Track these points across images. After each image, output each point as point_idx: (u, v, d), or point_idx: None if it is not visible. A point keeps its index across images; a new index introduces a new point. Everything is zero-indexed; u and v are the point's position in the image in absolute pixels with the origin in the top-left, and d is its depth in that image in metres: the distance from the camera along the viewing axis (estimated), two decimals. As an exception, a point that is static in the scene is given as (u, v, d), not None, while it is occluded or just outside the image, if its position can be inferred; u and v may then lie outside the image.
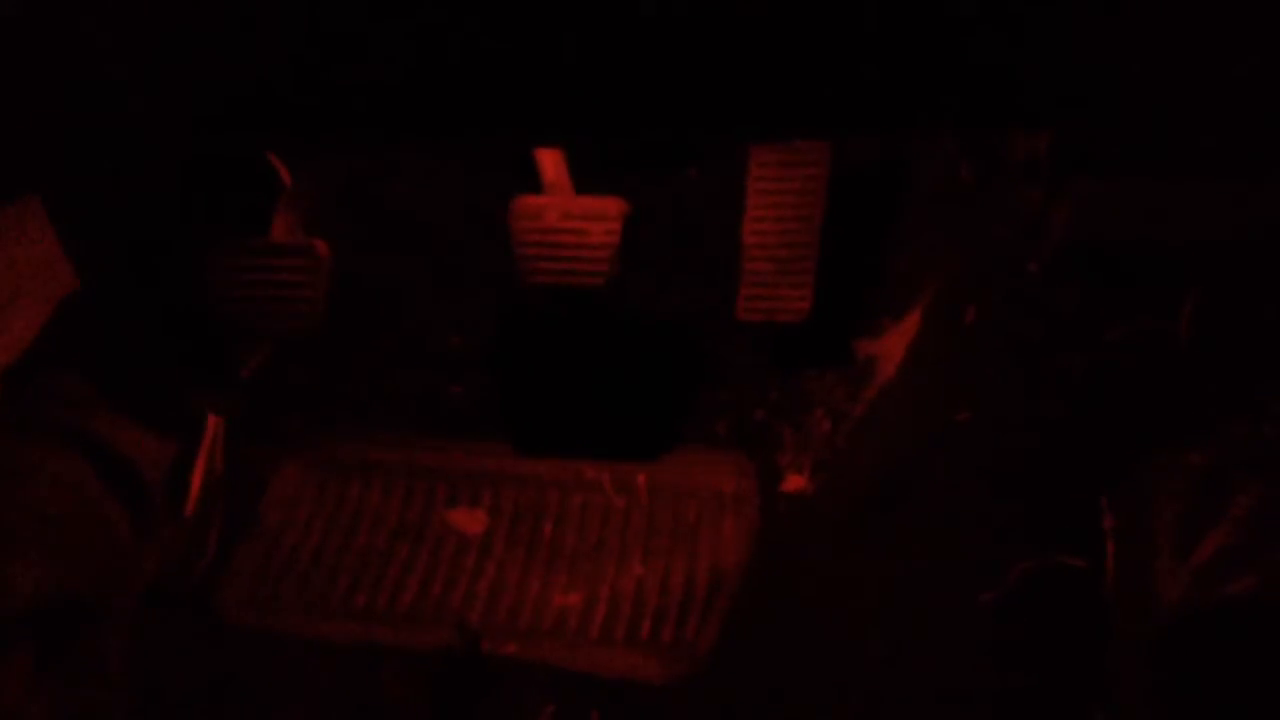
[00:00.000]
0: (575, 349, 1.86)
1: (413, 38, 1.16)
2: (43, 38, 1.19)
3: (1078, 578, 1.49)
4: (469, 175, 1.97)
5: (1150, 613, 1.37)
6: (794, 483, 1.77)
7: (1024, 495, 1.56)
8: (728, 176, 1.76)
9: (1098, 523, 1.50)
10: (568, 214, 1.74)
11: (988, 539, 1.56)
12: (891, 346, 1.78)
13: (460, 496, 1.86)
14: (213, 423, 1.74)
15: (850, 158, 1.75)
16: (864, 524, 1.66)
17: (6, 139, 1.28)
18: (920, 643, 1.53)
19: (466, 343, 1.97)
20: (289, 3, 1.15)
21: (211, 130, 1.30)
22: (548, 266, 1.75)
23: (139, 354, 1.67)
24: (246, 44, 1.19)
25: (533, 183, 1.76)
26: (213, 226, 1.76)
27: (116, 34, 1.19)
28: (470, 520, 1.83)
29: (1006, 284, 1.66)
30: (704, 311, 1.85)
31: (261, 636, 1.71)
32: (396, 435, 1.92)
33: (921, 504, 1.62)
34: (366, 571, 1.78)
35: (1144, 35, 1.10)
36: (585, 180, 1.76)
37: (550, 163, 1.74)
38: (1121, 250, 1.52)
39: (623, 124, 1.27)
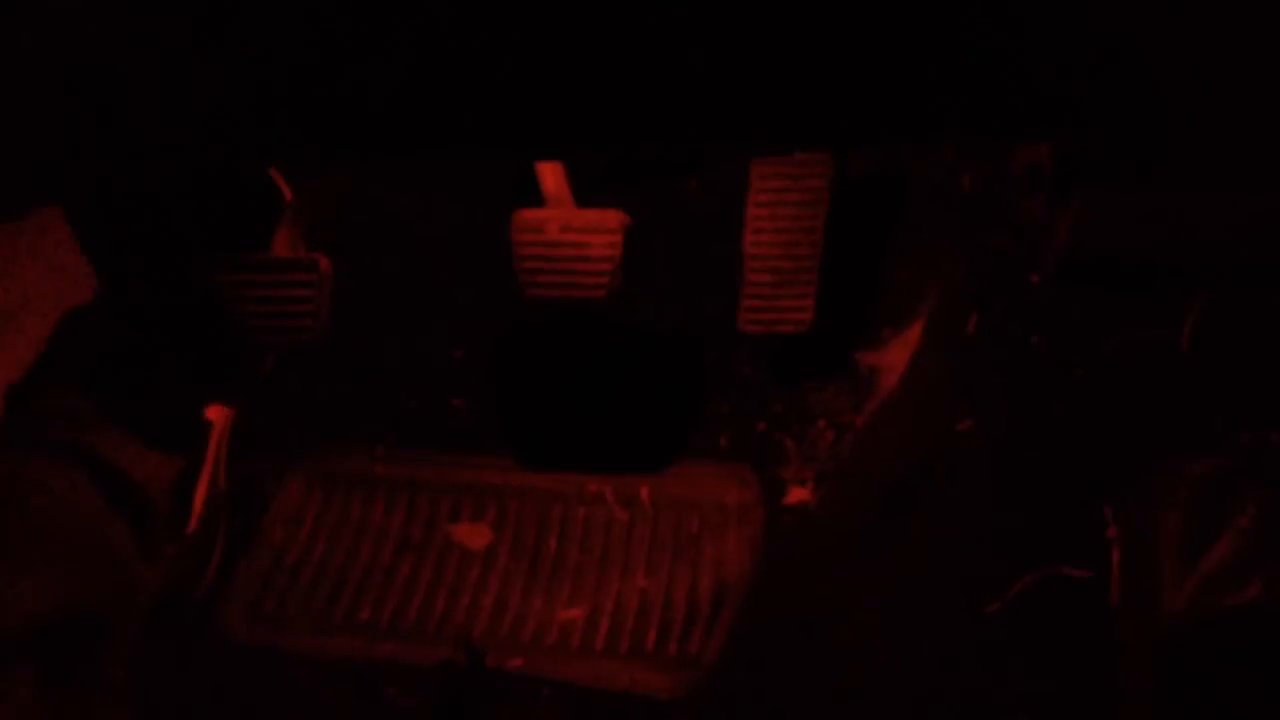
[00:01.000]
0: (577, 362, 1.86)
1: (414, 51, 1.17)
2: (56, 51, 1.19)
3: (1082, 588, 1.49)
4: (470, 189, 1.97)
5: (1155, 622, 1.37)
6: (797, 495, 1.76)
7: (1028, 505, 1.56)
8: (729, 189, 1.77)
9: (1102, 532, 1.50)
10: (569, 227, 1.74)
11: (991, 549, 1.56)
12: (893, 357, 1.78)
13: (463, 511, 1.86)
14: (215, 439, 1.74)
15: (851, 169, 1.75)
16: (867, 535, 1.66)
17: (21, 152, 1.28)
18: (925, 654, 1.53)
19: (468, 356, 1.97)
20: (292, 18, 1.15)
21: (215, 144, 1.31)
22: (549, 279, 1.75)
23: (142, 371, 1.67)
24: (249, 59, 1.19)
25: (534, 196, 1.76)
26: (215, 242, 1.76)
27: (126, 49, 1.19)
28: (474, 534, 1.83)
29: (1008, 294, 1.66)
30: (706, 323, 1.85)
31: (265, 652, 1.71)
32: (399, 450, 1.92)
33: (925, 514, 1.62)
34: (370, 587, 1.78)
35: (1146, 46, 1.10)
36: (586, 193, 1.76)
37: (551, 176, 1.74)
38: (1124, 260, 1.52)
39: (623, 137, 1.27)
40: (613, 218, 1.74)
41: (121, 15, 1.16)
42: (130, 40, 1.18)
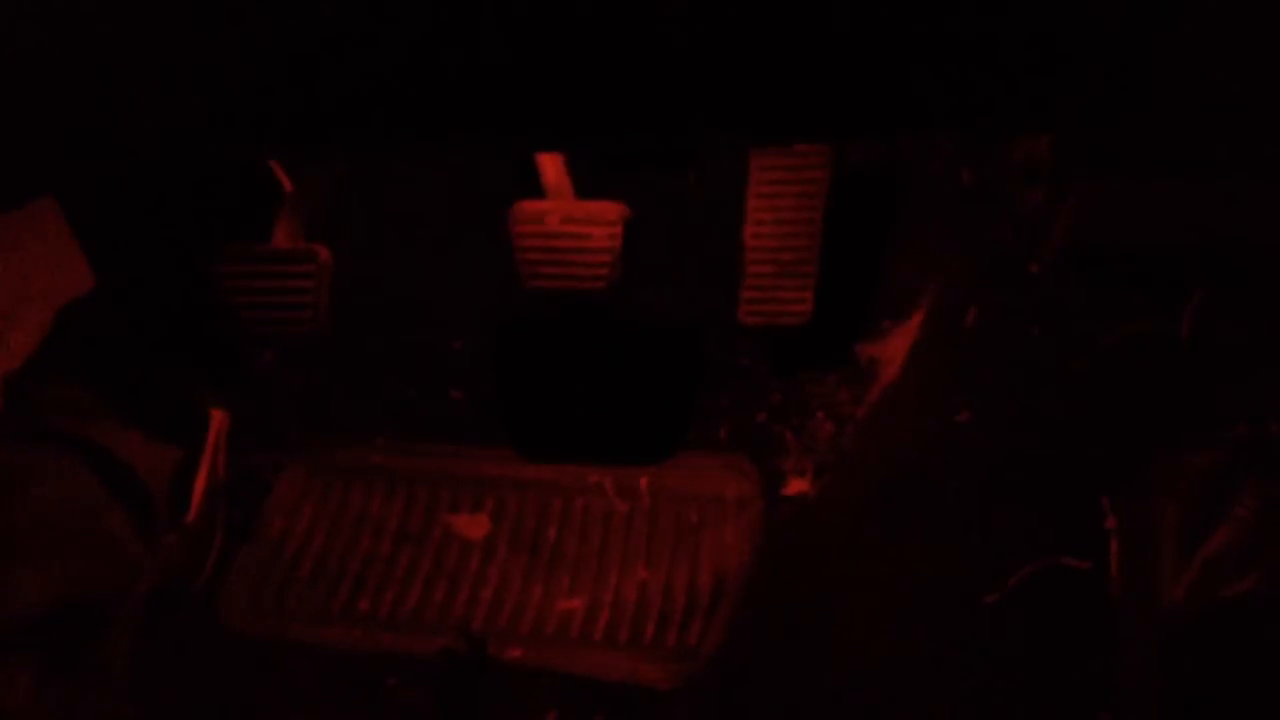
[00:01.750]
0: (577, 353, 1.86)
1: (415, 44, 1.17)
2: (56, 46, 1.19)
3: (1081, 579, 1.49)
4: (471, 180, 1.97)
5: (1154, 613, 1.37)
6: (796, 486, 1.77)
7: (1027, 496, 1.56)
8: (729, 180, 1.77)
9: (1101, 524, 1.50)
10: (569, 218, 1.74)
11: (991, 540, 1.56)
12: (893, 349, 1.78)
13: (462, 502, 1.86)
14: (215, 430, 1.74)
15: (850, 161, 1.75)
16: (867, 526, 1.66)
17: (18, 144, 1.28)
18: (923, 644, 1.53)
19: (468, 347, 1.97)
20: (290, 11, 1.15)
21: (215, 137, 1.31)
22: (549, 271, 1.75)
23: (142, 362, 1.68)
24: (249, 51, 1.19)
25: (534, 187, 1.76)
26: (216, 233, 1.76)
27: (125, 43, 1.19)
28: (473, 525, 1.83)
29: (1008, 286, 1.66)
30: (705, 315, 1.85)
31: (265, 642, 1.71)
32: (399, 441, 1.92)
33: (924, 506, 1.62)
34: (369, 577, 1.79)
35: (1145, 39, 1.10)
36: (586, 185, 1.77)
37: (551, 167, 1.74)
38: (1122, 252, 1.52)
39: (624, 129, 1.27)
40: (613, 210, 1.74)
41: (122, 13, 1.16)
42: (129, 36, 1.18)
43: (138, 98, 1.24)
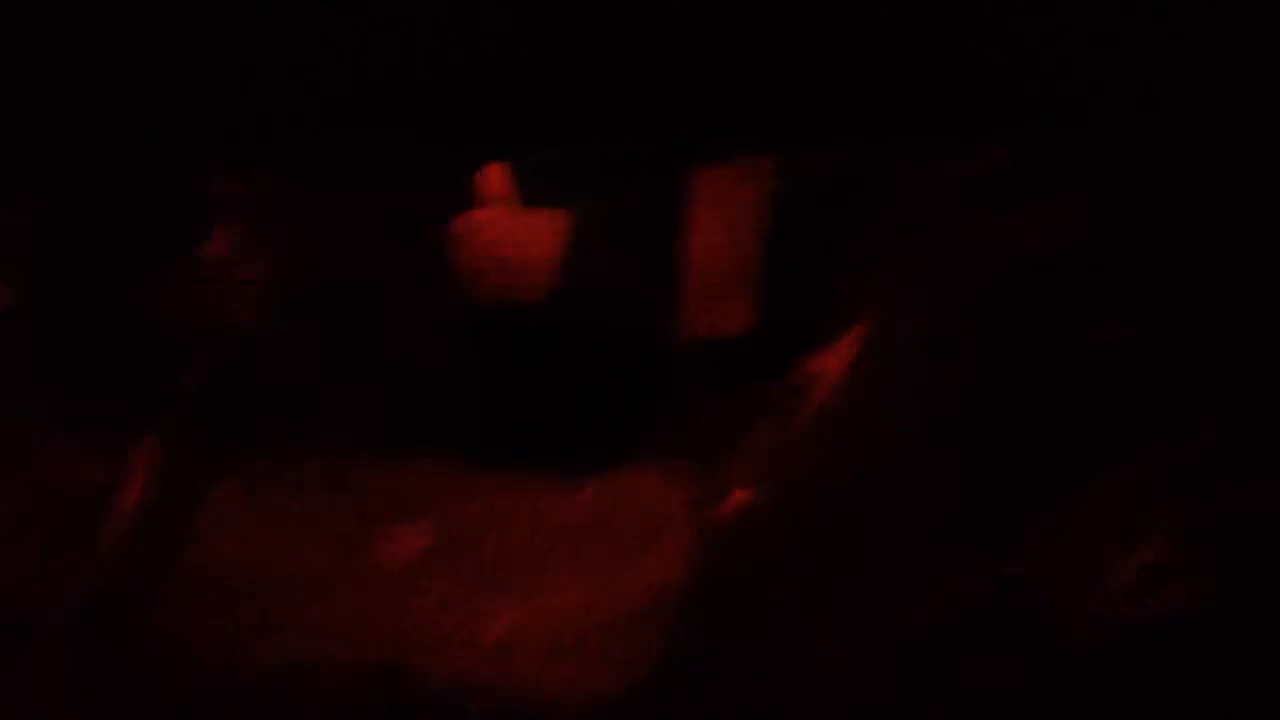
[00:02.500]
0: (519, 363, 1.86)
1: (360, 53, 1.16)
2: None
3: (1015, 591, 1.51)
4: (413, 190, 1.96)
5: (1081, 628, 1.39)
6: (738, 496, 1.77)
7: (964, 508, 1.58)
8: (674, 190, 1.77)
9: (1034, 538, 1.52)
10: (511, 228, 1.74)
11: (928, 552, 1.57)
12: (835, 360, 1.79)
13: (403, 511, 1.85)
14: (150, 441, 1.73)
15: (798, 171, 1.76)
16: (807, 538, 1.67)
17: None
18: (865, 651, 1.54)
19: (410, 357, 1.97)
20: (232, 22, 1.14)
21: (154, 150, 1.29)
22: (492, 281, 1.75)
23: (76, 374, 1.66)
24: (198, 64, 1.18)
25: (477, 197, 1.76)
26: (152, 245, 1.75)
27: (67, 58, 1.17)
28: (412, 535, 1.82)
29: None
30: (648, 325, 1.86)
31: (193, 655, 1.70)
32: (339, 450, 1.91)
33: (863, 517, 1.63)
34: (305, 589, 1.77)
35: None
36: (529, 194, 1.76)
37: (494, 177, 1.73)
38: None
39: (568, 138, 1.27)
40: (557, 219, 1.74)
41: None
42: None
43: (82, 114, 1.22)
